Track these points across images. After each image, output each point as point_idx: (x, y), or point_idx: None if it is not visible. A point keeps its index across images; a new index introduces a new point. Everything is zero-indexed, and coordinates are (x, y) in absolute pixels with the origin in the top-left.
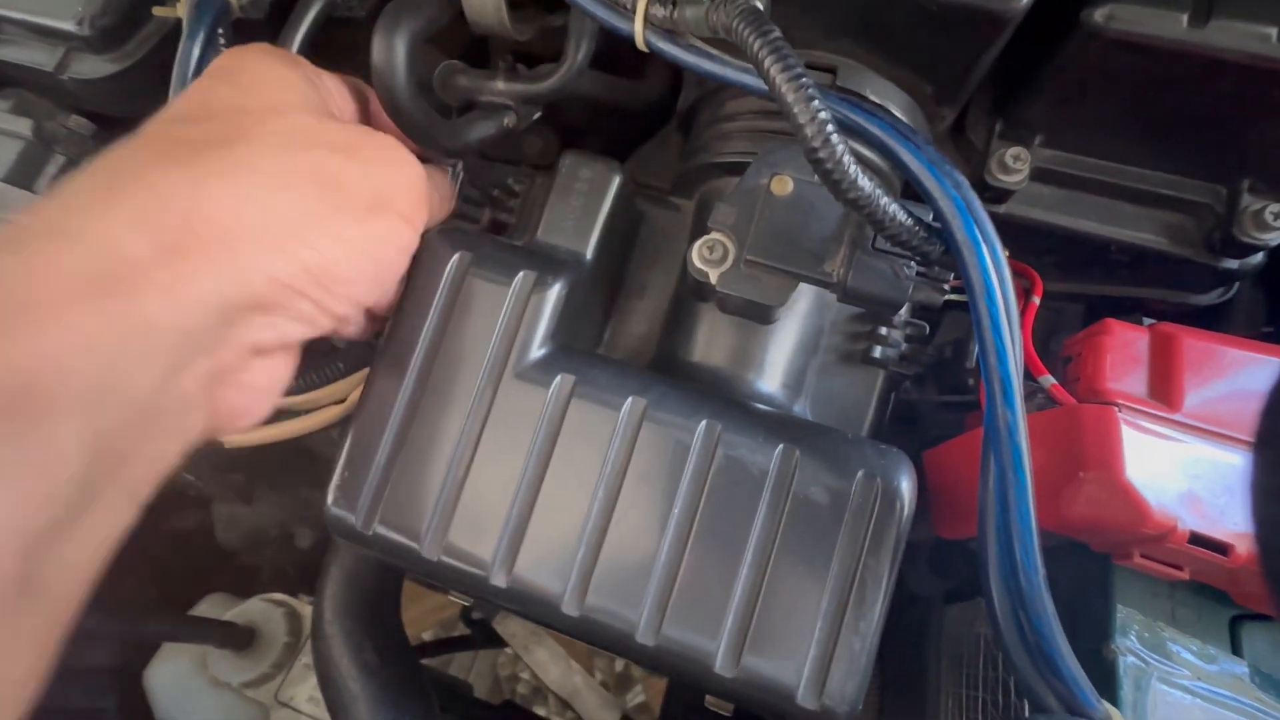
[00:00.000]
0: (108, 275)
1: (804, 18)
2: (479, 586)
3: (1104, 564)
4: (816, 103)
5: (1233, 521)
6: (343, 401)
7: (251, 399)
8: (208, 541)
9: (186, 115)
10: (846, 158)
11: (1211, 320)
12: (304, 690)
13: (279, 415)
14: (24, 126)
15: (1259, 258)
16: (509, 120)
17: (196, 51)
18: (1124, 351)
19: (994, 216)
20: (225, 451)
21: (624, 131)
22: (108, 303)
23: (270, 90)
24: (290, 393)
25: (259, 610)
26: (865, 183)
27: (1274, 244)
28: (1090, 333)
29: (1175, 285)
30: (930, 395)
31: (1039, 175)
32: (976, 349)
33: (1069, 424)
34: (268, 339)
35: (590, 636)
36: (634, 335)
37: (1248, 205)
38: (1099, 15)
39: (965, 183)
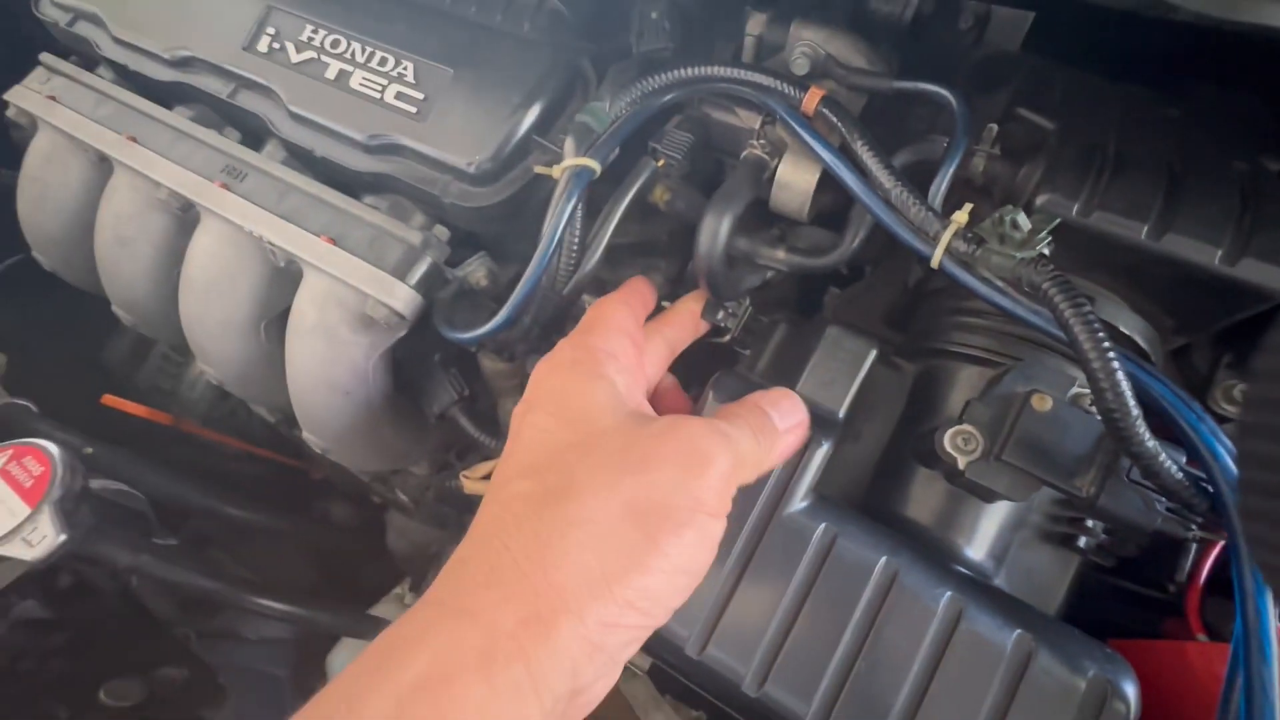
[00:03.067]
0: (490, 649)
1: (1076, 250)
2: (729, 691)
3: None
4: (1120, 376)
5: None
6: None
7: (591, 704)
8: (376, 541)
9: (529, 468)
10: (1140, 424)
11: None
12: None
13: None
14: (411, 235)
15: None
16: (771, 276)
17: (568, 210)
18: None
19: None
20: (446, 487)
21: (817, 279)
22: (492, 670)
23: (591, 419)
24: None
25: None
26: (1154, 442)
27: None
28: None
29: None
30: (1119, 580)
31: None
32: (1187, 569)
33: None
34: (602, 667)
35: None
36: (847, 478)
37: None
38: None
39: (1232, 452)
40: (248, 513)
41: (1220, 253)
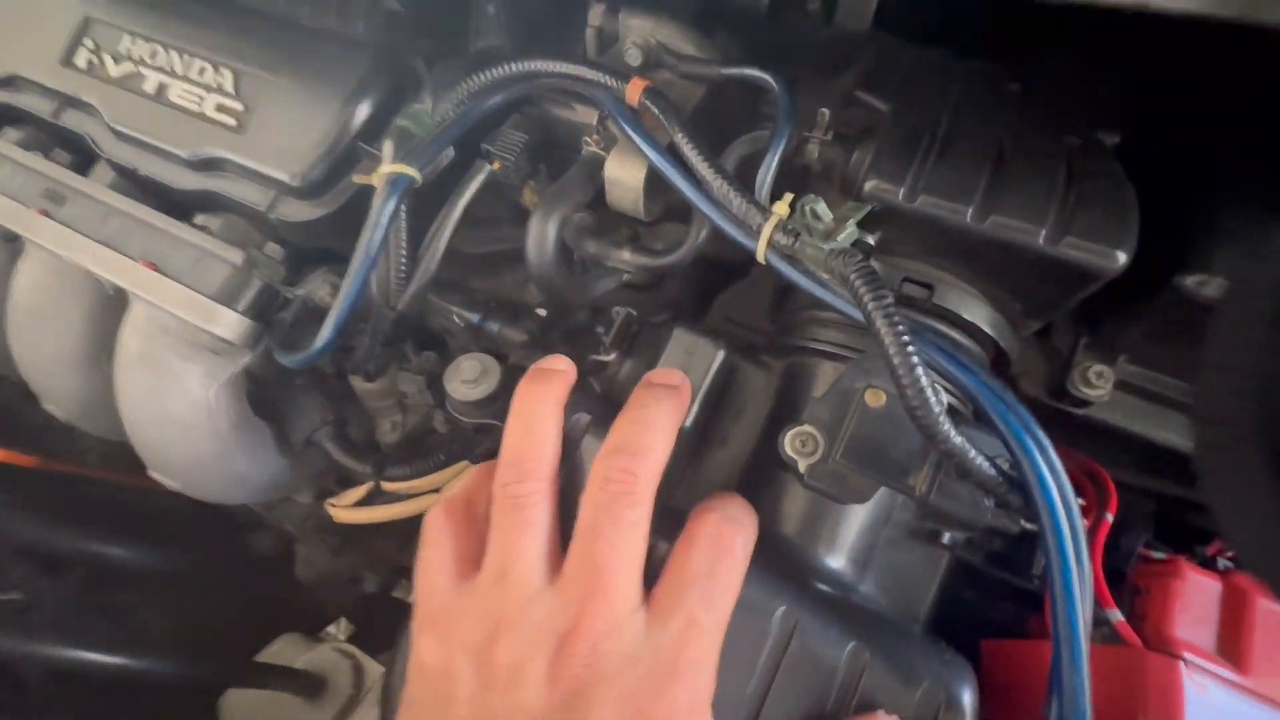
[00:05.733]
0: None
1: (912, 235)
2: None
3: None
4: (920, 370)
5: None
6: (438, 490)
7: None
8: (285, 571)
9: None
10: (944, 420)
11: None
12: None
13: (379, 497)
14: (235, 255)
15: None
16: (627, 278)
17: (385, 220)
18: (1194, 599)
19: (1074, 419)
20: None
21: (711, 276)
22: None
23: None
24: (393, 478)
25: (329, 660)
26: (959, 439)
27: None
28: (1162, 572)
29: None
30: (991, 570)
31: (1121, 385)
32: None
33: (1132, 667)
34: None
35: None
36: (712, 483)
37: None
38: (1190, 283)
39: (1050, 448)
40: (138, 553)
41: (1044, 233)
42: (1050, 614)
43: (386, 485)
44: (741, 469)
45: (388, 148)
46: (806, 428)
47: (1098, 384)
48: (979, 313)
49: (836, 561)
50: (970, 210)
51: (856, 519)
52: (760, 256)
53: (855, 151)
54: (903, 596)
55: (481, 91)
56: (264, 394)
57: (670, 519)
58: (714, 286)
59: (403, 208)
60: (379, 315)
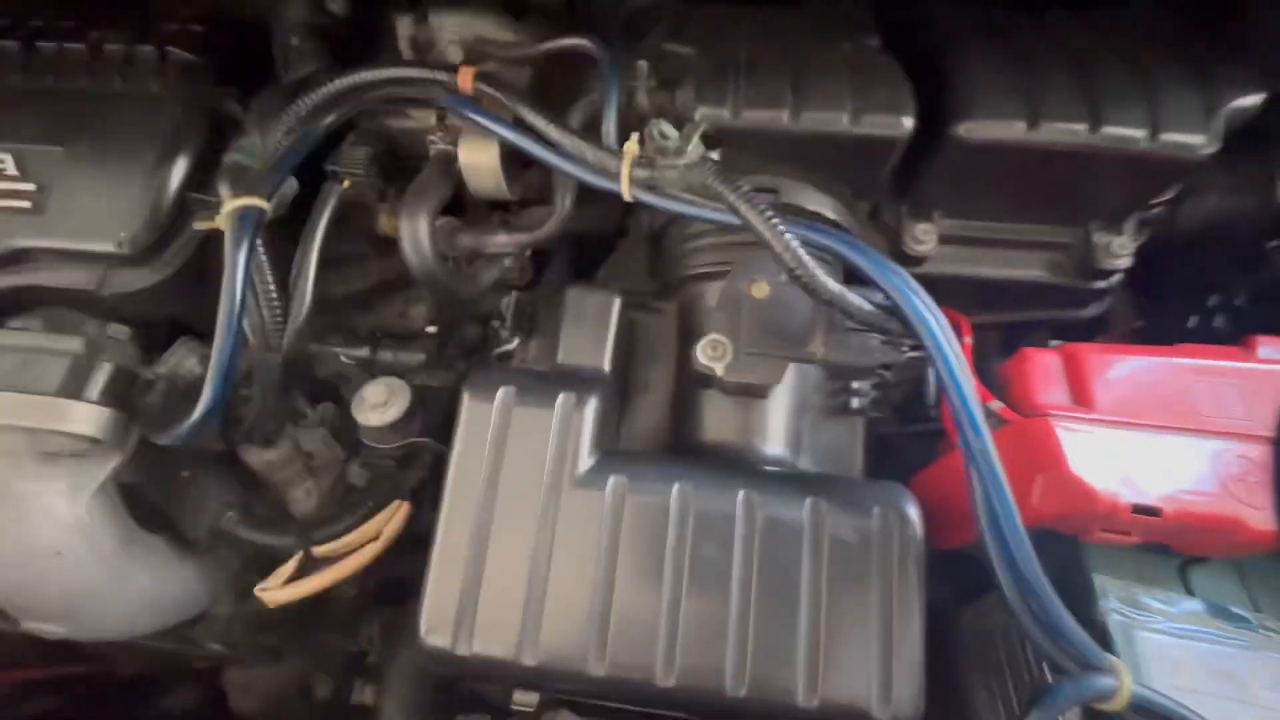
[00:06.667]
0: None
1: (747, 150)
2: (578, 680)
3: (1075, 545)
4: (789, 236)
5: (1159, 489)
6: (378, 538)
7: None
8: (218, 715)
9: None
10: (819, 273)
11: (1098, 327)
12: None
13: (313, 566)
14: (71, 344)
15: (1119, 277)
16: (509, 263)
17: (243, 258)
18: (1044, 372)
19: (919, 276)
20: (261, 613)
21: (586, 248)
22: None
23: None
24: (325, 540)
25: None
26: (835, 286)
27: (1125, 267)
28: (1015, 361)
29: (1065, 306)
30: (899, 427)
31: (945, 239)
32: (934, 389)
33: (1018, 438)
34: None
35: (685, 704)
36: (647, 427)
37: (1098, 241)
38: (962, 129)
39: (905, 273)
40: None
41: (845, 117)
42: (947, 409)
43: (319, 550)
44: (669, 404)
45: (224, 188)
46: (712, 336)
47: (924, 239)
48: (820, 201)
49: (773, 449)
50: (785, 113)
51: (780, 406)
52: (626, 194)
53: (678, 91)
54: (836, 465)
55: (312, 113)
56: (146, 498)
57: None
58: (590, 268)
59: (259, 243)
60: (264, 367)
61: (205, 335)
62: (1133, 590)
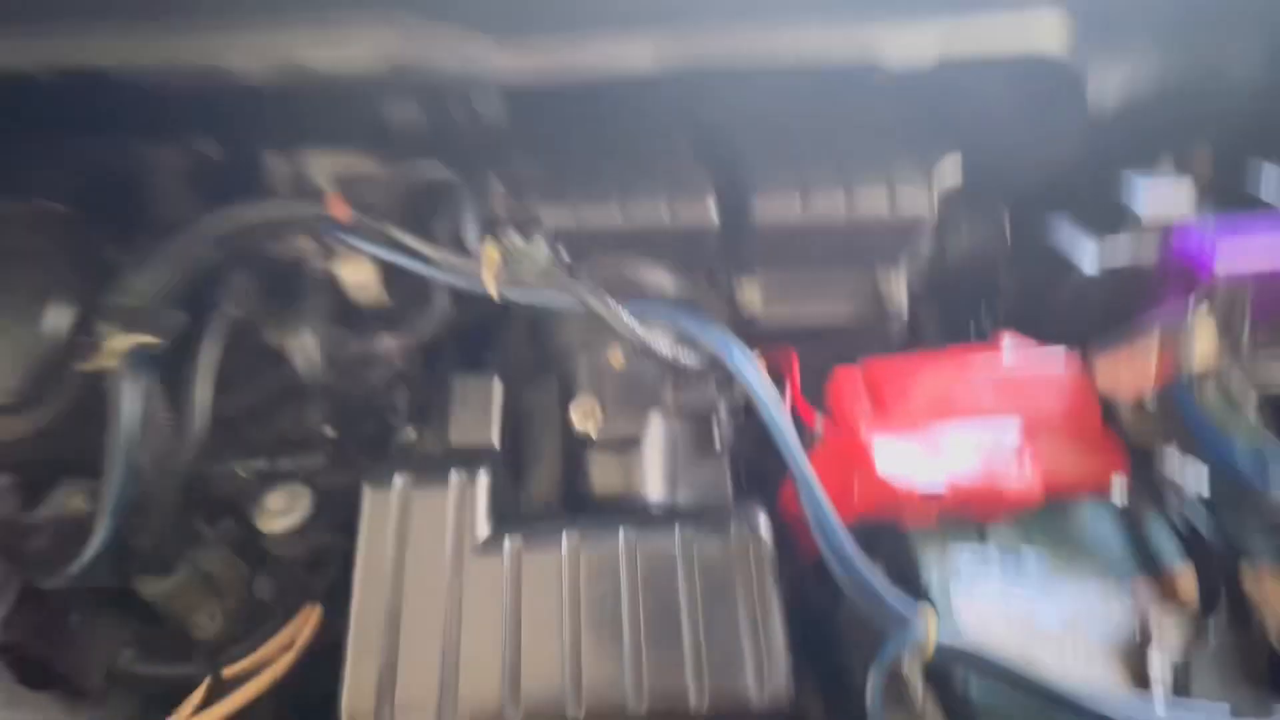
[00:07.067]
0: None
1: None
2: None
3: (899, 530)
4: (625, 316)
5: (939, 476)
6: (291, 646)
7: None
8: None
9: None
10: (653, 342)
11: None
12: None
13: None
14: None
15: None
16: (397, 360)
17: (136, 395)
18: (852, 388)
19: (758, 329)
20: None
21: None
22: None
23: None
24: (232, 660)
25: None
26: (668, 350)
27: (903, 301)
28: (832, 379)
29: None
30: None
31: (764, 293)
32: None
33: (838, 451)
34: None
35: None
36: (543, 493)
37: (881, 280)
38: (757, 215)
39: (726, 330)
40: None
41: (666, 213)
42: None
43: (230, 671)
44: (560, 466)
45: (114, 327)
46: (581, 400)
47: (751, 295)
48: (660, 275)
49: (653, 492)
50: (615, 207)
51: (653, 453)
52: (494, 294)
53: (525, 200)
54: (711, 497)
55: (194, 249)
56: (29, 656)
57: None
58: (480, 350)
59: (151, 376)
60: (158, 496)
61: (89, 473)
62: (945, 553)
